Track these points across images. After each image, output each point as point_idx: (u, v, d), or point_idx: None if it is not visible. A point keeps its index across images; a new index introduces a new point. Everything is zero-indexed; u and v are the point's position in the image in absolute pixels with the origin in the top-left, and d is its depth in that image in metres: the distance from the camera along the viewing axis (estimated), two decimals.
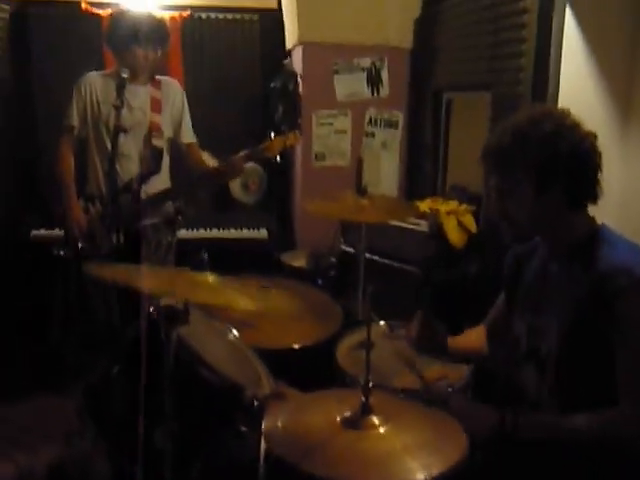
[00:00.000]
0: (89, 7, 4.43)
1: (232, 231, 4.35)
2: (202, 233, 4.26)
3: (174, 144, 3.59)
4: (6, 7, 4.33)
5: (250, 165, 3.87)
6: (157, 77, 3.53)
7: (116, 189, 3.31)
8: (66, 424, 3.35)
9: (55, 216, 4.04)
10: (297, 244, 4.43)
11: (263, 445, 1.73)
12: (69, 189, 3.42)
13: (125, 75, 3.15)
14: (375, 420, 1.58)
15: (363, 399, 1.60)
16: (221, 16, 4.62)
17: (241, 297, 1.76)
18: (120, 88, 3.12)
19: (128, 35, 3.29)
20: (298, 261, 3.95)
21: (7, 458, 3.15)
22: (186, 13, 4.53)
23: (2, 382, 3.79)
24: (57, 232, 4.09)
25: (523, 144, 1.74)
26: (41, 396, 3.74)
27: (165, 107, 3.50)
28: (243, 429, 1.85)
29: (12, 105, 4.42)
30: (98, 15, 4.43)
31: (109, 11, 4.39)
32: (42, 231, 4.17)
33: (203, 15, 4.58)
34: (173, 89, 3.57)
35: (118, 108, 3.14)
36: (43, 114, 4.48)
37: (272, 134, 3.28)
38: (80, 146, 3.50)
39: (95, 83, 3.43)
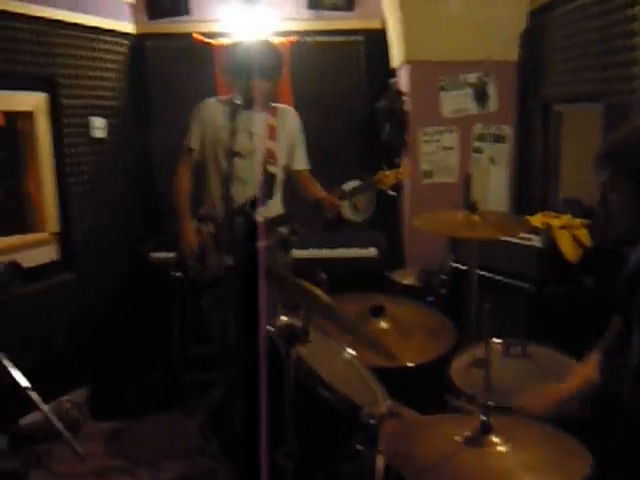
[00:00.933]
0: (201, 38, 4.63)
1: (341, 250, 4.39)
2: (312, 252, 4.32)
3: (288, 171, 3.64)
4: (125, 42, 4.60)
5: (355, 182, 3.90)
6: (274, 104, 3.60)
7: (230, 212, 3.41)
8: (187, 442, 3.50)
9: (170, 237, 4.26)
10: (406, 262, 4.43)
11: (381, 463, 1.75)
12: (183, 209, 3.55)
13: (238, 102, 3.26)
14: (496, 439, 1.57)
15: (483, 418, 1.59)
16: (327, 39, 4.70)
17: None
18: (234, 114, 3.23)
19: (245, 66, 3.37)
20: (408, 279, 3.94)
21: (131, 475, 3.30)
22: (294, 39, 4.64)
23: (124, 402, 3.99)
24: (174, 254, 4.30)
25: (636, 145, 1.72)
26: (162, 415, 3.91)
27: (280, 134, 3.55)
28: (360, 448, 1.87)
29: (130, 133, 4.67)
30: (209, 45, 4.62)
31: (220, 41, 4.59)
32: (161, 254, 4.33)
33: (309, 40, 4.68)
34: (289, 117, 3.62)
35: (234, 133, 3.24)
36: (159, 140, 4.71)
37: (385, 167, 3.30)
38: (198, 169, 3.62)
39: (213, 109, 3.54)
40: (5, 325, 2.96)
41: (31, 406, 3.27)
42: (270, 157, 3.52)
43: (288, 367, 1.82)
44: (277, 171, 3.57)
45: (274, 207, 3.57)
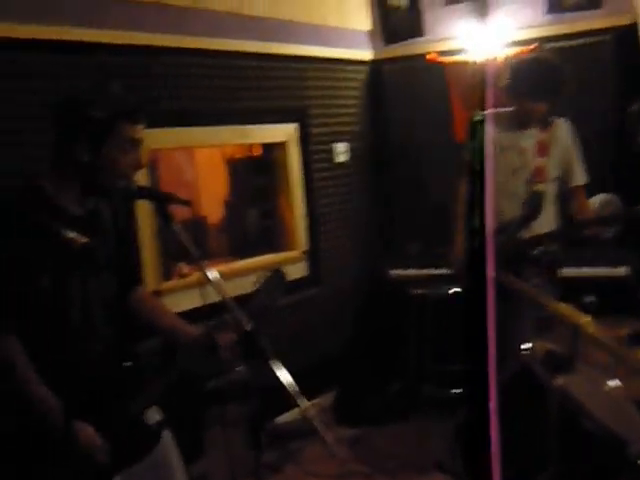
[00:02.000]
0: (435, 57, 4.72)
1: (587, 269, 4.12)
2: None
3: (563, 186, 3.49)
4: (364, 69, 4.83)
5: (605, 196, 3.70)
6: (549, 119, 3.46)
7: (498, 228, 3.40)
8: (423, 455, 3.62)
9: (408, 255, 4.40)
10: None
11: None
12: (459, 226, 3.54)
13: (511, 119, 3.29)
14: None
15: None
16: (570, 43, 4.39)
17: None
18: (506, 130, 3.25)
19: (522, 86, 3.32)
20: None
21: None
22: (533, 47, 4.50)
23: (365, 410, 4.20)
24: (412, 271, 4.44)
25: None
26: (400, 426, 4.08)
27: (553, 150, 3.43)
28: None
29: (370, 155, 4.89)
30: (443, 63, 4.69)
31: (455, 59, 4.63)
32: (400, 271, 4.48)
33: (549, 46, 4.39)
34: (563, 131, 3.46)
35: (504, 150, 3.28)
36: (396, 160, 4.88)
37: None
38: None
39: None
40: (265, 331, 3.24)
41: (287, 405, 3.59)
42: (538, 174, 3.41)
43: (548, 394, 1.83)
44: (546, 188, 3.43)
45: (544, 224, 3.43)
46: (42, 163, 2.74)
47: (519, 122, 3.36)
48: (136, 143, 2.02)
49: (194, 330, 2.16)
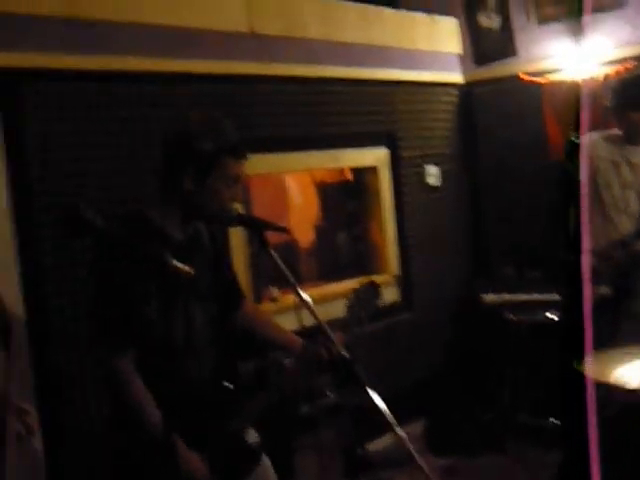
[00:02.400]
0: (528, 77, 4.63)
1: None
2: None
3: None
4: (454, 92, 4.80)
5: None
6: None
7: (614, 243, 3.37)
8: None
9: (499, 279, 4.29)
10: None
11: None
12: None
13: (619, 135, 3.30)
14: None
15: None
16: None
17: None
18: (615, 147, 3.27)
19: (627, 100, 3.35)
20: None
21: None
22: (629, 65, 4.39)
23: (458, 438, 4.09)
24: (506, 296, 4.33)
25: None
26: (494, 456, 3.94)
27: None
28: None
29: (461, 178, 4.83)
30: (538, 83, 4.60)
31: (549, 78, 4.53)
32: (492, 295, 4.39)
33: None
34: None
35: (615, 165, 3.28)
36: (487, 183, 4.79)
37: None
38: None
39: (595, 143, 3.51)
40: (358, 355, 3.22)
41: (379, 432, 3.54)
42: None
43: None
44: None
45: None
46: (147, 188, 2.89)
47: (628, 138, 3.39)
48: (238, 178, 2.10)
49: (301, 340, 2.21)
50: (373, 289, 2.31)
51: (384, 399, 1.99)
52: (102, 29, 2.94)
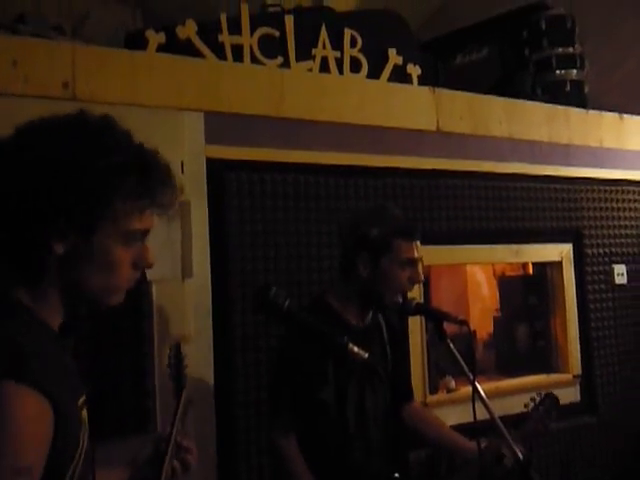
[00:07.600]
0: None
1: None
2: None
3: None
4: None
5: None
6: None
7: None
8: None
9: None
10: None
11: None
12: None
13: None
14: None
15: None
16: None
17: None
18: None
19: None
20: None
21: None
22: None
23: None
24: None
25: None
26: None
27: None
28: None
29: None
30: None
31: None
32: None
33: None
34: None
35: None
36: None
37: None
38: None
39: None
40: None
41: None
42: None
43: None
44: None
45: None
46: (325, 274, 3.10)
47: None
48: (413, 260, 2.17)
49: (473, 445, 2.11)
50: (552, 403, 2.29)
51: None
52: (304, 127, 3.25)
